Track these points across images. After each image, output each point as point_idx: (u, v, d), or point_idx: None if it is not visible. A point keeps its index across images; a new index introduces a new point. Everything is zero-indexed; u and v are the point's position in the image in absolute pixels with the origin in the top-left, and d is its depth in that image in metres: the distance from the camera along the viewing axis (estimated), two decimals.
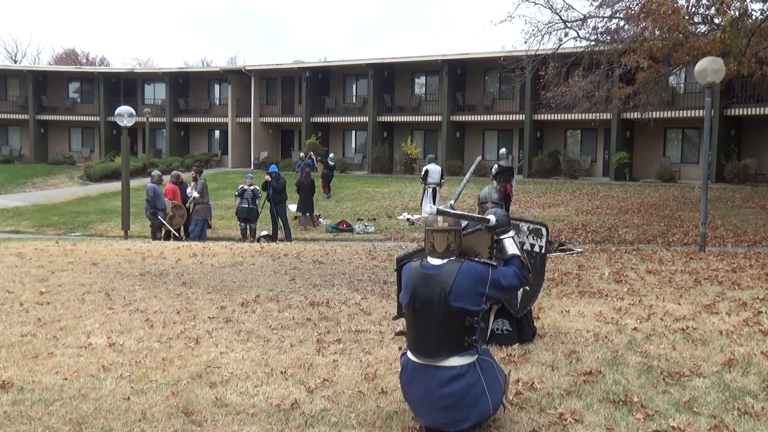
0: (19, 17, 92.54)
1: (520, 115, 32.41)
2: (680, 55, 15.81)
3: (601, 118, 26.79)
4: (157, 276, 9.53)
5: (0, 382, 4.92)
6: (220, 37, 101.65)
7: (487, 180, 23.97)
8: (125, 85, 43.77)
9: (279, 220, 17.08)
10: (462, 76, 34.85)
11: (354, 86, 38.68)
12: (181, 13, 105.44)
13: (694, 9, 16.50)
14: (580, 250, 12.59)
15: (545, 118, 31.72)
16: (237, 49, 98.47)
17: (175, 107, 41.49)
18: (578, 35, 19.00)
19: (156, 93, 43.54)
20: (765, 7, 15.98)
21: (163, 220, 16.20)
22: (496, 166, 17.53)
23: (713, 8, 15.80)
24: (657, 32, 15.84)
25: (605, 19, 18.65)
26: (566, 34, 18.74)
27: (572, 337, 6.14)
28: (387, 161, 35.14)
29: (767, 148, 28.04)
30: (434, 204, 18.18)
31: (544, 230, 6.26)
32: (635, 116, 26.38)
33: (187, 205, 16.64)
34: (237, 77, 40.15)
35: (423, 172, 19.10)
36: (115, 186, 28.07)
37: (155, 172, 16.92)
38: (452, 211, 4.39)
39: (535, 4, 18.82)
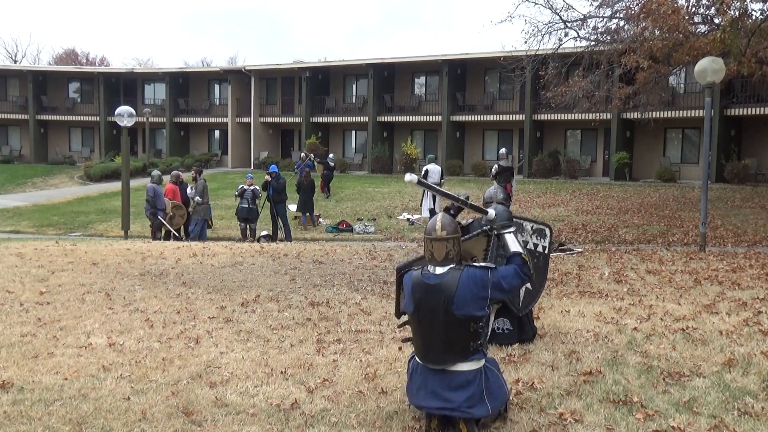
0: (19, 17, 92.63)
1: (520, 115, 32.40)
2: (680, 55, 15.80)
3: (601, 118, 26.78)
4: (157, 276, 9.54)
5: (0, 382, 4.92)
6: (220, 37, 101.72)
7: (487, 180, 23.94)
8: (125, 85, 43.76)
9: (279, 220, 17.08)
10: (462, 76, 34.84)
11: (354, 86, 38.68)
12: (181, 13, 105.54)
13: (694, 9, 16.49)
14: (580, 250, 12.59)
15: (545, 118, 31.71)
16: (237, 49, 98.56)
17: (175, 107, 41.49)
18: (578, 35, 18.99)
19: (156, 93, 43.53)
20: (765, 7, 15.98)
21: (163, 220, 16.20)
22: (496, 166, 17.54)
23: (713, 8, 15.79)
24: (657, 32, 15.83)
25: (605, 19, 18.65)
26: (566, 34, 18.73)
27: (572, 337, 6.14)
28: (387, 161, 35.14)
29: (767, 148, 28.04)
30: (434, 205, 18.18)
31: (547, 230, 6.27)
32: (635, 116, 26.37)
33: (189, 208, 16.66)
34: (237, 77, 40.15)
35: (423, 172, 19.10)
36: (115, 186, 28.07)
37: (155, 172, 16.92)
38: (430, 183, 4.45)
39: (535, 4, 18.81)
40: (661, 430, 4.13)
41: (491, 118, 33.93)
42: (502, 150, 18.40)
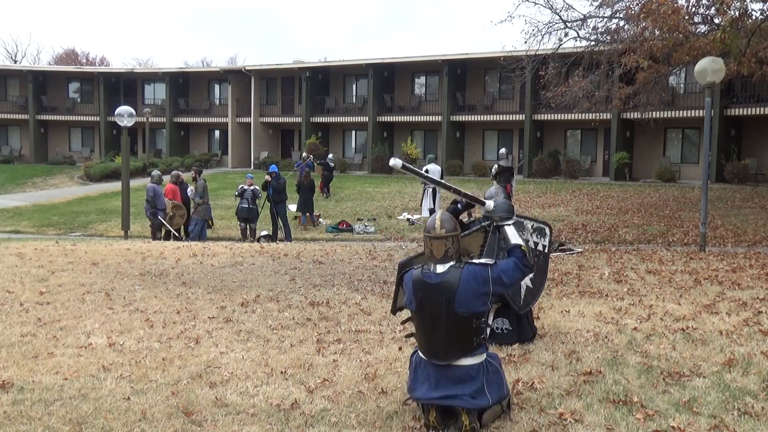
0: (19, 17, 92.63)
1: (520, 115, 32.40)
2: (680, 55, 15.80)
3: (601, 118, 26.78)
4: (157, 276, 9.54)
5: (0, 382, 4.92)
6: (220, 37, 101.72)
7: (487, 180, 23.94)
8: (125, 85, 43.76)
9: (279, 220, 17.09)
10: (462, 76, 34.84)
11: (354, 86, 38.68)
12: (181, 13, 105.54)
13: (694, 9, 16.49)
14: (580, 250, 12.59)
15: (545, 118, 31.71)
16: (237, 49, 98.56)
17: (175, 107, 41.49)
18: (578, 35, 18.99)
19: (156, 93, 43.54)
20: (765, 7, 15.98)
21: (163, 220, 16.20)
22: (496, 166, 17.52)
23: (713, 8, 15.79)
24: (657, 32, 15.83)
25: (605, 19, 18.65)
26: (566, 34, 18.74)
27: (572, 337, 6.14)
28: (387, 161, 35.05)
29: (767, 148, 28.04)
30: (434, 205, 18.19)
31: (547, 230, 6.29)
32: (635, 116, 26.37)
33: (191, 208, 16.67)
34: (237, 77, 40.15)
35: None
36: (115, 186, 28.07)
37: (155, 172, 16.92)
38: (415, 169, 4.50)
39: (535, 4, 18.82)
40: (661, 430, 4.13)
41: (491, 118, 33.93)
42: (502, 150, 18.39)
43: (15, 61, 66.55)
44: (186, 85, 42.45)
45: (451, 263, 4.22)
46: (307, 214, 19.27)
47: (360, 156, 38.10)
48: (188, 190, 16.87)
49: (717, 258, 11.28)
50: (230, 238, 17.29)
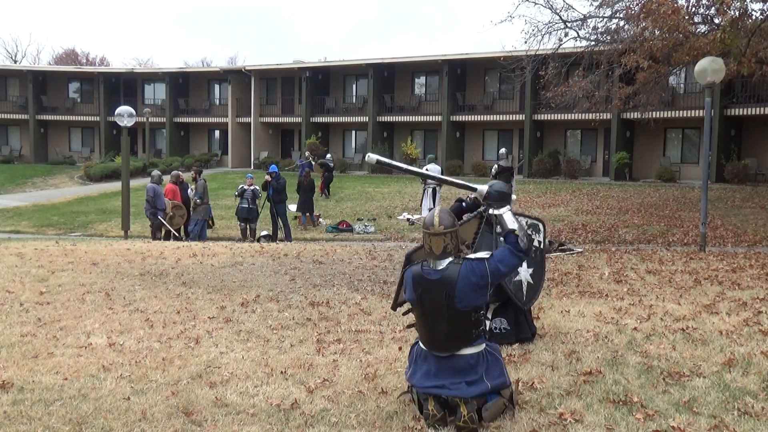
0: (19, 17, 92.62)
1: (520, 115, 32.40)
2: (680, 55, 15.80)
3: (601, 118, 26.78)
4: (157, 276, 9.54)
5: (0, 382, 4.92)
6: (220, 37, 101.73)
7: (487, 180, 23.89)
8: (125, 85, 43.76)
9: (279, 220, 17.09)
10: (462, 76, 34.84)
11: (354, 86, 38.68)
12: (181, 13, 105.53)
13: (694, 9, 16.49)
14: (580, 250, 12.58)
15: (545, 118, 31.71)
16: (237, 49, 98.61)
17: (175, 107, 41.49)
18: (578, 35, 18.99)
19: (156, 93, 43.54)
20: (765, 7, 15.97)
21: (163, 220, 16.20)
22: (496, 166, 17.48)
23: (713, 8, 15.79)
24: (657, 32, 15.83)
25: (605, 19, 18.65)
26: (566, 34, 18.74)
27: (572, 337, 6.14)
28: None
29: (767, 148, 28.03)
30: (434, 204, 18.18)
31: (541, 225, 6.33)
32: (635, 116, 26.37)
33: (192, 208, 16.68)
34: (237, 77, 40.15)
35: None
36: (115, 186, 28.07)
37: (155, 172, 16.92)
38: (392, 162, 4.54)
39: (535, 4, 18.81)
40: (661, 430, 4.13)
41: (491, 118, 33.93)
42: (502, 150, 18.37)
43: (15, 61, 66.57)
44: (186, 85, 42.45)
45: (450, 259, 4.29)
46: (307, 214, 19.27)
47: (360, 156, 38.09)
48: (188, 190, 16.88)
49: (717, 258, 11.28)
50: (230, 238, 17.29)
